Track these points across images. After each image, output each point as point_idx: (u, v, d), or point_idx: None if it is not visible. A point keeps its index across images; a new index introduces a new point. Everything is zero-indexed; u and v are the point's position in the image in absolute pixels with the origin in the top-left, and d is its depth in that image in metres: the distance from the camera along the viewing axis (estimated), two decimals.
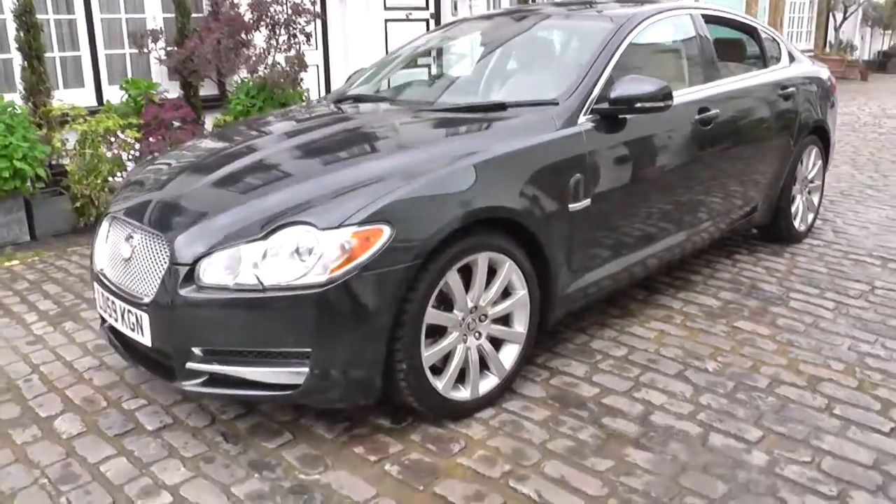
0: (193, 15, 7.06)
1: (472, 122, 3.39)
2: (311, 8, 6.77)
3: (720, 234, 4.41)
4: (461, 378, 3.04)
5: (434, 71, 4.21)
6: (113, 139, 5.97)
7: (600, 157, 3.41)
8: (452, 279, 2.87)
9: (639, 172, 3.63)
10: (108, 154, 5.86)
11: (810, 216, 5.23)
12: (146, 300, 2.85)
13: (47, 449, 2.94)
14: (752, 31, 4.83)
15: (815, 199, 5.24)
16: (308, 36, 6.81)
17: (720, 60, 4.33)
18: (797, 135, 4.75)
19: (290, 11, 6.72)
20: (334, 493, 2.62)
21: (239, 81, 6.90)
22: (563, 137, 3.31)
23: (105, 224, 3.30)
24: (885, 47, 19.41)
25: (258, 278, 2.66)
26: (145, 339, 2.88)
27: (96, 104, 6.71)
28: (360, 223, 2.67)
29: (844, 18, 17.77)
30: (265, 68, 6.47)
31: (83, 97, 6.61)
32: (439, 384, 2.93)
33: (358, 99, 4.16)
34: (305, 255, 2.66)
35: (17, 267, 5.18)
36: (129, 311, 2.93)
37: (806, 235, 5.22)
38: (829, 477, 2.69)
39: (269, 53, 6.60)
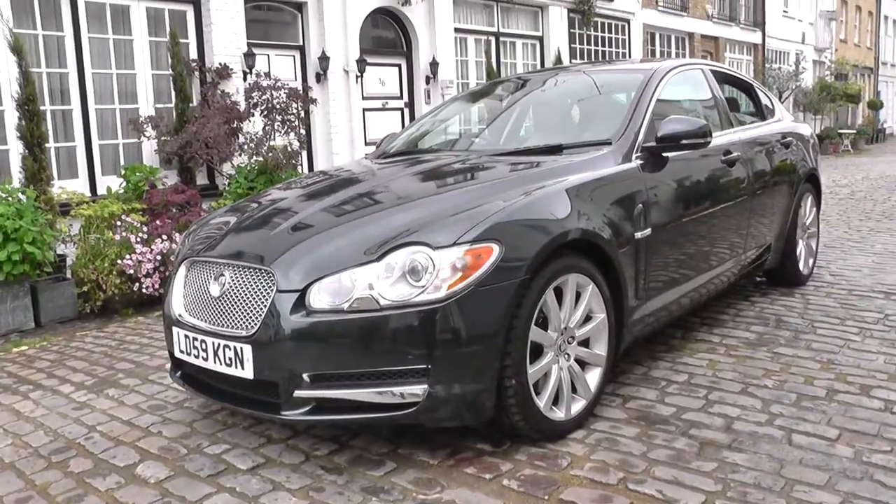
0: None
1: (541, 161, 3.58)
2: (306, 95, 7.00)
3: (743, 272, 4.65)
4: (554, 400, 3.10)
5: (482, 125, 4.42)
6: (119, 223, 5.94)
7: (653, 190, 3.63)
8: (550, 298, 2.98)
9: (683, 206, 3.86)
10: (116, 237, 5.82)
11: (811, 260, 5.56)
12: (247, 333, 2.85)
13: (138, 492, 2.84)
14: (748, 88, 5.27)
15: (813, 245, 5.60)
16: (303, 120, 7.02)
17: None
18: (797, 181, 5.13)
19: (284, 97, 6.94)
20: None
21: (235, 167, 7.01)
22: (624, 171, 3.53)
23: (182, 270, 3.31)
24: (818, 131, 20.97)
25: (375, 299, 2.72)
26: (246, 372, 2.86)
27: (89, 193, 6.70)
28: (472, 242, 2.78)
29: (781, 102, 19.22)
30: (267, 151, 6.62)
31: (77, 186, 6.60)
32: (540, 403, 2.99)
33: (417, 152, 4.31)
34: (421, 274, 2.73)
35: (29, 351, 5.02)
36: (226, 347, 2.91)
37: (808, 278, 5.53)
38: None
39: (269, 138, 6.76)
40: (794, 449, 2.97)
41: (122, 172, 6.55)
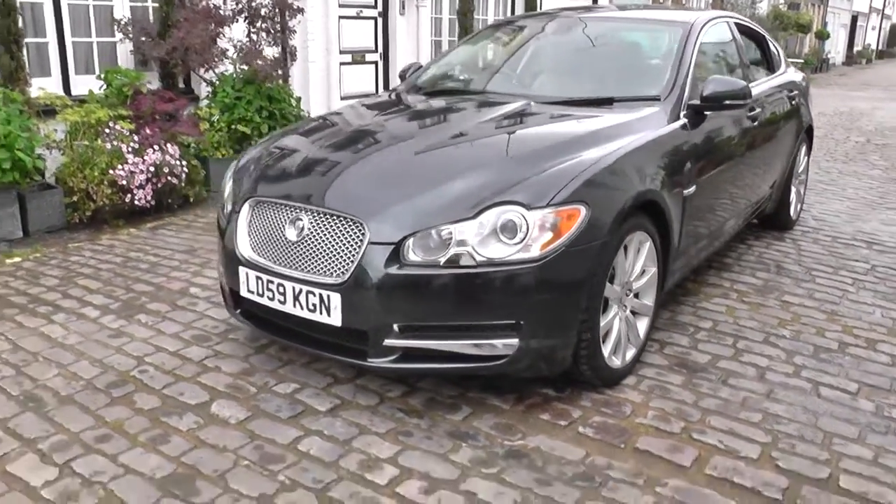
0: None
1: (599, 115, 3.63)
2: (294, 3, 6.71)
3: (750, 219, 4.91)
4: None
5: (525, 67, 4.38)
6: (108, 131, 5.68)
7: (697, 148, 3.76)
8: (620, 255, 3.12)
9: (717, 162, 4.00)
10: (108, 146, 5.57)
11: (799, 206, 5.88)
12: (336, 281, 2.88)
13: (223, 434, 2.89)
14: (761, 40, 5.38)
15: (802, 190, 5.91)
16: (289, 31, 6.74)
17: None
18: (799, 131, 5.36)
19: (270, 4, 6.64)
20: (549, 455, 2.78)
21: (219, 75, 6.73)
22: (675, 129, 3.63)
23: (246, 209, 3.26)
24: None
25: (471, 255, 2.79)
26: (332, 319, 2.90)
27: (62, 93, 6.32)
28: (562, 203, 2.86)
29: None
30: (257, 61, 6.36)
31: (49, 85, 6.22)
32: (605, 352, 3.17)
33: (467, 92, 4.25)
34: (515, 233, 2.80)
35: (25, 263, 4.86)
36: (310, 293, 2.94)
37: (796, 223, 5.86)
38: None
39: (257, 47, 6.49)
40: (824, 402, 3.26)
41: (104, 75, 6.18)
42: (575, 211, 2.88)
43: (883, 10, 47.73)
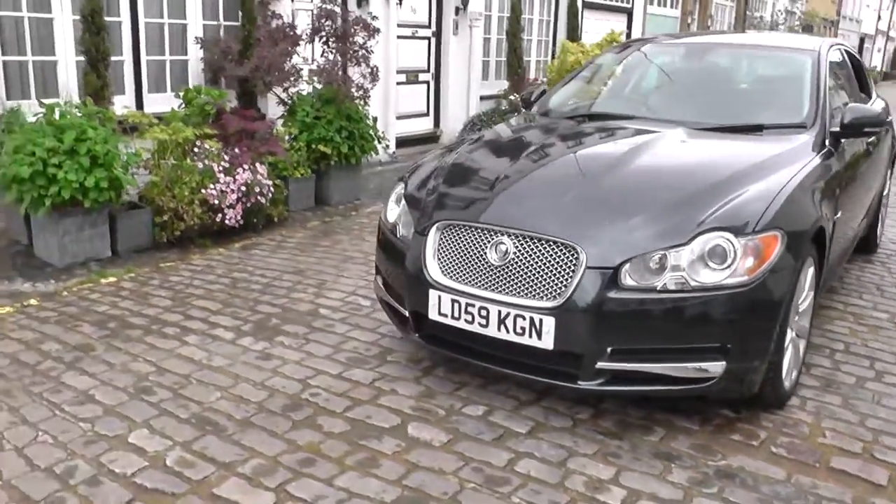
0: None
1: (764, 142, 3.74)
2: (372, 23, 6.76)
3: (856, 241, 5.06)
4: None
5: (666, 92, 4.47)
6: (196, 149, 5.67)
7: (840, 175, 3.88)
8: (800, 281, 3.23)
9: (852, 188, 4.14)
10: (199, 165, 5.55)
11: (880, 229, 6.07)
12: (550, 304, 2.94)
13: (433, 456, 2.91)
14: (859, 67, 5.52)
15: (883, 213, 6.11)
16: (370, 51, 6.78)
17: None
18: (891, 157, 5.55)
19: (345, 25, 6.69)
20: (757, 475, 2.85)
21: (295, 95, 6.75)
22: (826, 157, 3.75)
23: (434, 232, 3.28)
24: None
25: (686, 280, 2.87)
26: (544, 343, 2.94)
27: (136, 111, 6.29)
28: (763, 230, 2.96)
29: None
30: (342, 81, 6.40)
31: (123, 103, 6.20)
32: (783, 374, 3.26)
33: (619, 117, 4.28)
34: (725, 258, 2.88)
35: (125, 283, 4.81)
36: (519, 317, 2.99)
37: (878, 246, 6.06)
38: None
39: (339, 67, 6.53)
40: None
41: (182, 93, 6.16)
42: (774, 238, 2.97)
43: (888, 31, 48.77)
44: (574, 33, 11.75)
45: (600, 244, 2.93)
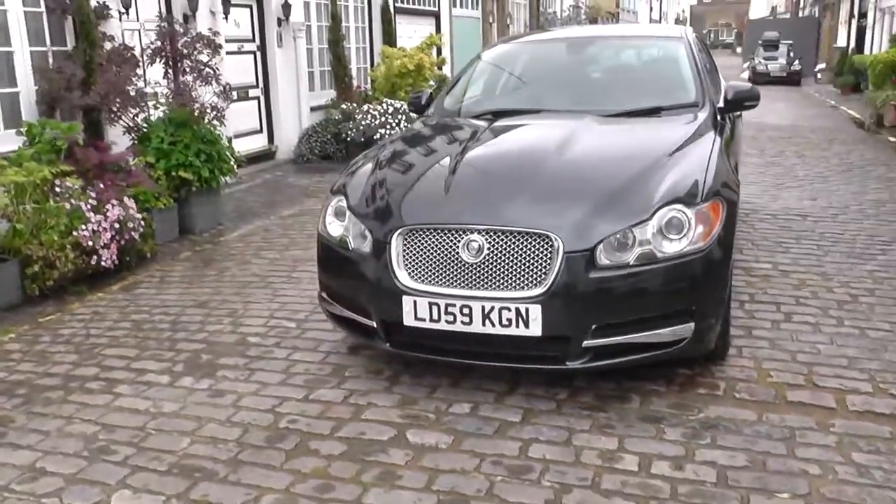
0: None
1: (669, 123, 4.07)
2: (214, 39, 6.49)
3: None
4: None
5: (558, 86, 4.65)
6: (57, 188, 5.17)
7: (730, 144, 4.31)
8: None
9: (735, 155, 4.63)
10: (67, 206, 5.07)
11: None
12: (534, 293, 3.06)
13: (449, 458, 2.94)
14: (707, 48, 6.10)
15: None
16: (216, 71, 6.50)
17: None
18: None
19: (193, 44, 6.38)
20: (735, 420, 3.16)
21: (143, 120, 6.32)
22: (720, 130, 4.12)
23: (396, 240, 3.29)
24: None
25: (654, 252, 3.10)
26: (531, 330, 3.07)
27: None
28: (708, 199, 3.27)
29: None
30: (192, 102, 6.08)
31: None
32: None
33: (527, 112, 4.44)
34: (682, 229, 3.16)
35: (9, 346, 4.29)
36: (504, 309, 3.08)
37: None
38: None
39: (190, 88, 6.20)
40: None
41: (25, 129, 5.55)
42: (717, 205, 3.30)
43: (660, 20, 52.91)
44: (390, 38, 11.92)
45: (572, 230, 3.10)
